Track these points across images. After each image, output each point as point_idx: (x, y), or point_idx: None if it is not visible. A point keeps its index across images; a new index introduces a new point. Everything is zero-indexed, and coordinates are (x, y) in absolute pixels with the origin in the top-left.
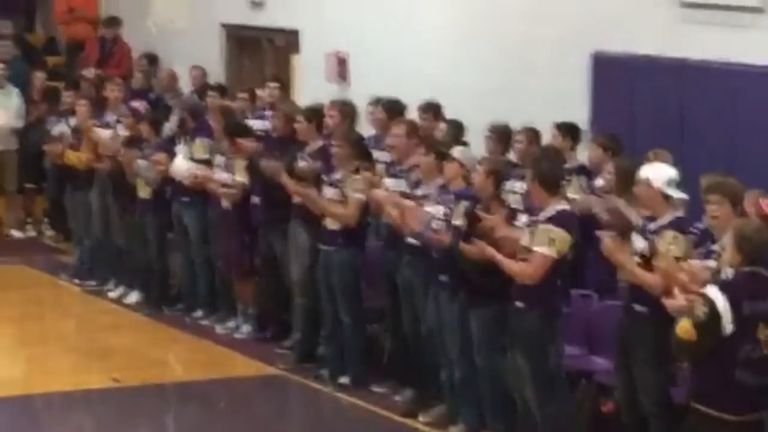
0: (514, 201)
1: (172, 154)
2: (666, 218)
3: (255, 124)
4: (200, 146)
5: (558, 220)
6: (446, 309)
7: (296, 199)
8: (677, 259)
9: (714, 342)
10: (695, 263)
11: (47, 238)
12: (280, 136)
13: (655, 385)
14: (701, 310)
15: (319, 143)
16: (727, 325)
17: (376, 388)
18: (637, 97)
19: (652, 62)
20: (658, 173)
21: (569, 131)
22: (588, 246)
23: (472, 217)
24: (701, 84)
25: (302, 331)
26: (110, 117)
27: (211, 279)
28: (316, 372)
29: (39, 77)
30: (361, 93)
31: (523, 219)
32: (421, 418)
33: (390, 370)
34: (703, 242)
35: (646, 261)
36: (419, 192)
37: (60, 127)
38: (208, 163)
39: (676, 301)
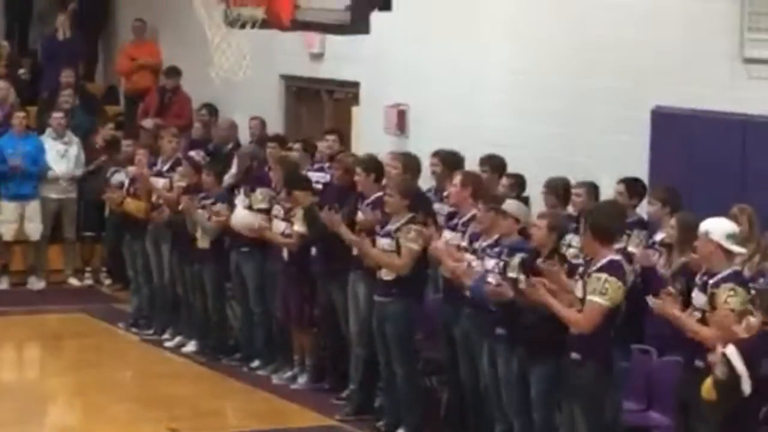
0: (571, 255)
1: (231, 205)
2: (725, 272)
3: (314, 176)
4: (260, 196)
5: (609, 269)
6: (503, 363)
7: (355, 251)
8: (734, 311)
9: (735, 402)
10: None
11: (105, 286)
12: (339, 188)
13: None
14: (721, 370)
15: (377, 195)
16: (746, 386)
17: None
18: (698, 153)
19: (713, 118)
20: (717, 227)
21: (633, 186)
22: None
23: (529, 269)
24: (763, 139)
25: (360, 382)
26: (164, 166)
27: (268, 329)
28: (374, 423)
29: (106, 127)
30: (420, 146)
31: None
32: None
33: (447, 423)
34: None
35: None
36: (477, 245)
37: (119, 176)
38: (267, 213)
39: (716, 356)
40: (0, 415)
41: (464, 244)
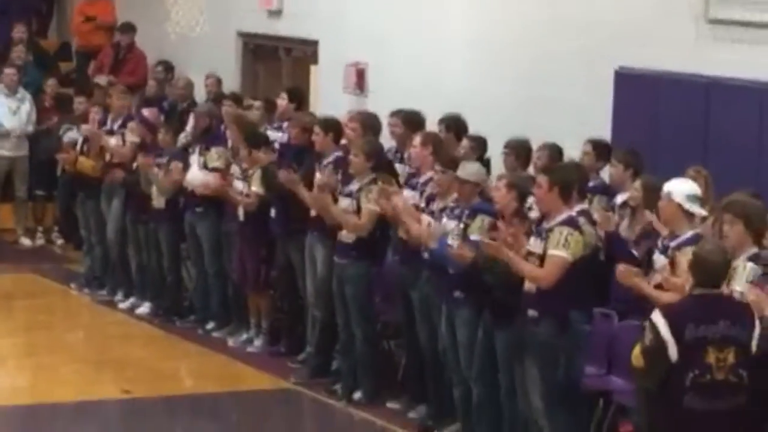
0: (534, 218)
1: (186, 163)
2: (686, 234)
3: (272, 135)
4: (216, 155)
5: (569, 223)
6: (462, 326)
7: (313, 212)
8: None
9: (663, 368)
10: None
11: (57, 246)
12: (297, 147)
13: None
14: (648, 337)
15: (336, 154)
16: (672, 352)
17: (390, 404)
18: (661, 114)
19: (677, 79)
20: (679, 188)
21: (601, 148)
22: (610, 264)
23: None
24: (727, 101)
25: (316, 345)
26: (114, 124)
27: (224, 291)
28: (330, 387)
29: (51, 84)
30: (379, 105)
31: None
32: None
33: (405, 387)
34: None
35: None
36: (434, 206)
37: (72, 134)
38: (223, 172)
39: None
40: None
41: (422, 205)
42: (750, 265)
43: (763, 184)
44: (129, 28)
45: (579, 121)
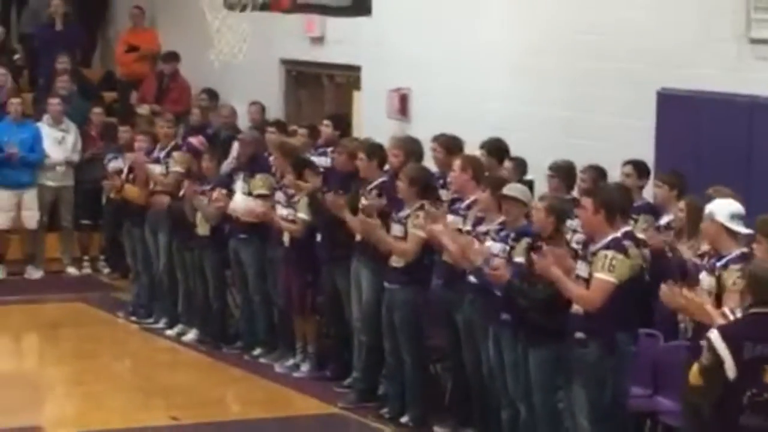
0: (575, 240)
1: (230, 190)
2: (732, 254)
3: (316, 161)
4: (260, 182)
5: (614, 246)
6: (508, 348)
7: (359, 237)
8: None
9: (720, 387)
10: None
11: (103, 275)
12: (342, 173)
13: None
14: (706, 356)
15: (381, 180)
16: (730, 370)
17: (437, 428)
18: (704, 135)
19: (719, 99)
20: (721, 208)
21: (641, 168)
22: (656, 285)
23: (533, 252)
24: None
25: (363, 369)
26: (161, 153)
27: (270, 317)
28: (377, 411)
29: (97, 113)
30: (422, 130)
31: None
32: None
33: (451, 410)
34: None
35: (716, 298)
36: (480, 229)
37: (116, 163)
38: (267, 198)
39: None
40: None
41: (467, 228)
42: None
43: None
44: (172, 57)
45: (622, 143)
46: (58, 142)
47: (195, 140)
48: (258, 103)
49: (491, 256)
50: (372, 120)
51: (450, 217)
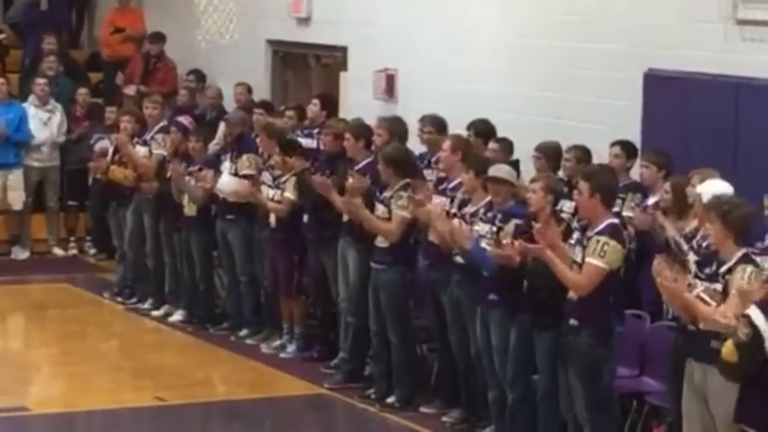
0: (567, 220)
1: (217, 171)
2: None
3: (303, 141)
4: (247, 162)
5: (609, 232)
6: (496, 329)
7: (345, 217)
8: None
9: (757, 363)
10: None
11: (90, 256)
12: (329, 154)
13: None
14: (743, 332)
15: (367, 160)
16: None
17: (423, 409)
18: (691, 116)
19: (706, 80)
20: (710, 189)
21: (629, 148)
22: (642, 265)
23: (523, 235)
24: (757, 101)
25: (349, 350)
26: (149, 134)
27: (256, 298)
28: (363, 392)
29: (83, 93)
30: (408, 110)
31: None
32: None
33: (438, 391)
34: None
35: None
36: (466, 210)
37: (103, 144)
38: (254, 179)
39: (726, 319)
40: None
41: (453, 210)
42: (749, 268)
43: None
44: (159, 38)
45: (609, 123)
46: (44, 123)
47: (183, 119)
48: (244, 84)
49: (480, 237)
50: (358, 100)
51: (437, 198)
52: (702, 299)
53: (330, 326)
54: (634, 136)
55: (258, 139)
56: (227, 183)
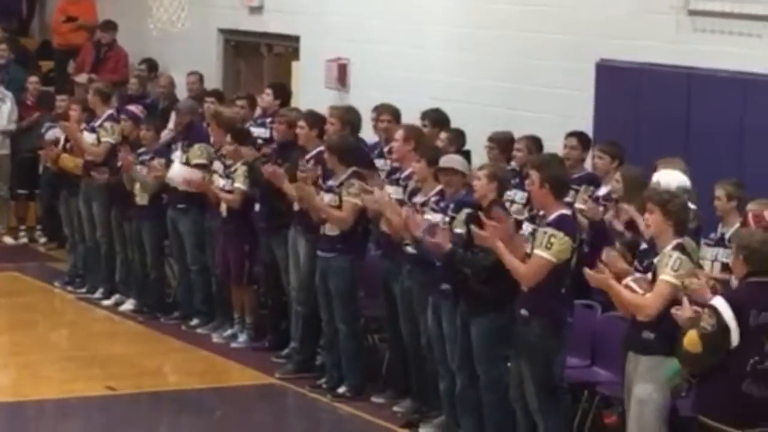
0: (515, 211)
1: (169, 160)
2: None
3: (256, 131)
4: (198, 152)
5: (558, 224)
6: (447, 318)
7: (296, 206)
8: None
9: (721, 354)
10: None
11: (40, 245)
12: (281, 143)
13: None
14: (708, 322)
15: (319, 149)
16: (735, 337)
17: (375, 399)
18: (643, 106)
19: (658, 71)
20: (669, 180)
21: (584, 139)
22: (595, 255)
23: (474, 224)
24: (708, 92)
25: (300, 339)
26: (97, 122)
27: (207, 287)
28: (314, 382)
29: (33, 82)
30: (361, 100)
31: (527, 228)
32: (421, 429)
33: (389, 381)
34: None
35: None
36: (417, 200)
37: (54, 132)
38: (205, 168)
39: (684, 312)
40: None
41: (403, 198)
42: (676, 254)
43: (744, 174)
44: (110, 26)
45: (561, 113)
46: None
47: (134, 107)
48: (196, 73)
49: (432, 226)
50: (310, 90)
51: (390, 188)
52: (630, 288)
53: (281, 316)
54: (587, 126)
55: (209, 129)
56: (178, 172)
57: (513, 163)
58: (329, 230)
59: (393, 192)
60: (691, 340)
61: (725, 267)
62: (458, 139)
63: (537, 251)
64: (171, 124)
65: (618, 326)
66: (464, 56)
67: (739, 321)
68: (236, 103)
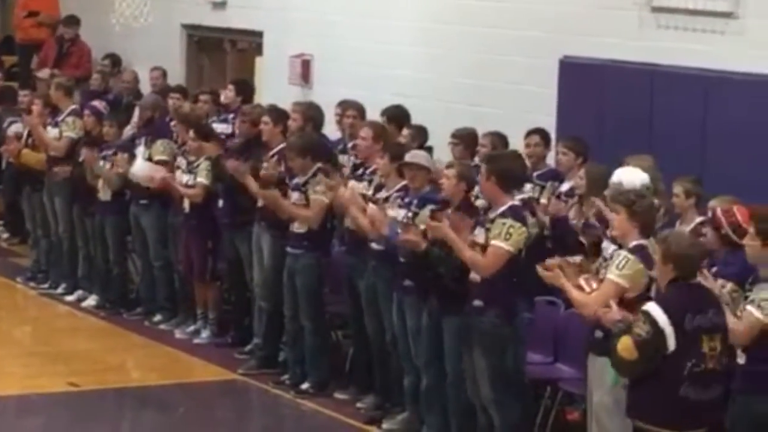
0: (480, 206)
1: (132, 155)
2: None
3: (219, 127)
4: (161, 148)
5: (511, 214)
6: (411, 314)
7: (260, 202)
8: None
9: (657, 360)
10: None
11: (3, 240)
12: (244, 139)
13: None
14: (643, 329)
15: (281, 146)
16: (671, 342)
17: (338, 395)
18: (606, 103)
19: (621, 67)
20: (631, 178)
21: (546, 136)
22: (558, 251)
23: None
24: (671, 89)
25: (264, 336)
26: (59, 117)
27: (170, 283)
28: (278, 378)
29: None
30: (324, 96)
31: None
32: (384, 425)
33: (352, 377)
34: None
35: None
36: (381, 195)
37: (16, 127)
38: (168, 164)
39: (612, 314)
40: None
41: (368, 193)
42: (624, 253)
43: (706, 170)
44: (73, 21)
45: (525, 110)
46: None
47: (97, 103)
48: (159, 69)
49: (397, 223)
50: (274, 86)
51: (355, 184)
52: (580, 286)
53: (244, 312)
54: (550, 122)
55: (173, 124)
56: (141, 168)
57: (477, 159)
58: (297, 227)
59: (359, 188)
60: (625, 346)
61: None
62: (421, 135)
63: (495, 242)
64: (135, 120)
65: (581, 323)
66: (428, 52)
67: (674, 325)
68: (199, 99)
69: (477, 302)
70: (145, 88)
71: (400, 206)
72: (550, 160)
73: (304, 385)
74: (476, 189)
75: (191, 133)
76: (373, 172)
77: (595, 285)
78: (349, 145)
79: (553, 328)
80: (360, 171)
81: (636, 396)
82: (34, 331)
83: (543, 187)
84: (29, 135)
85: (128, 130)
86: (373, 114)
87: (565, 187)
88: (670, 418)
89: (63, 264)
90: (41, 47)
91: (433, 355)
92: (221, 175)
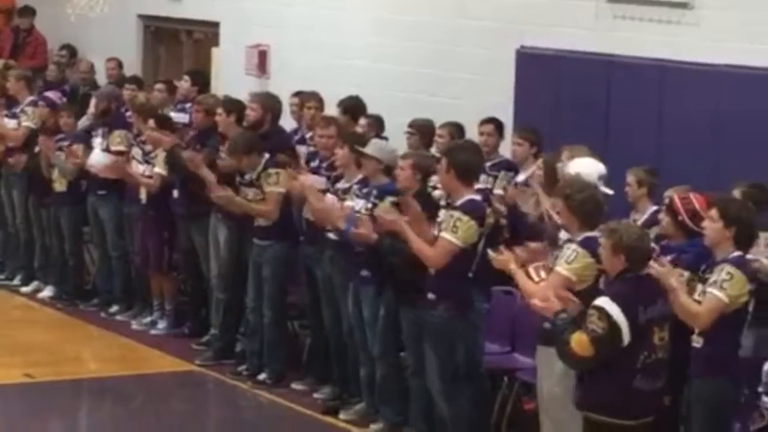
0: (437, 197)
1: (88, 146)
2: None
3: (176, 116)
4: (117, 138)
5: (465, 208)
6: (367, 305)
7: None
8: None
9: (612, 354)
10: None
11: None
12: (200, 130)
13: None
14: (598, 324)
15: None
16: (626, 337)
17: (295, 386)
18: (563, 93)
19: (578, 58)
20: (590, 169)
21: (500, 125)
22: (514, 241)
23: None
24: (627, 79)
25: (220, 327)
26: (17, 108)
27: (127, 274)
28: (235, 368)
29: None
30: (281, 86)
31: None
32: (341, 416)
33: (310, 367)
34: None
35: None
36: (339, 186)
37: None
38: (125, 155)
39: (551, 304)
40: None
41: (326, 187)
42: (573, 246)
43: (662, 161)
44: (28, 12)
45: (482, 100)
46: None
47: (52, 94)
48: (115, 59)
49: (354, 213)
50: (231, 76)
51: (311, 176)
52: (528, 275)
53: (201, 302)
54: (507, 113)
55: (129, 114)
56: (98, 158)
57: (433, 150)
58: (262, 222)
59: (316, 181)
60: (580, 343)
61: None
62: (377, 125)
63: (443, 234)
64: (91, 110)
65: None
66: (384, 42)
67: (629, 320)
68: (155, 89)
69: (430, 295)
70: (102, 78)
71: (358, 197)
72: (503, 150)
73: (261, 376)
74: (433, 179)
75: (151, 122)
76: (330, 164)
77: (543, 275)
78: (307, 135)
79: (510, 318)
80: (315, 162)
81: (587, 388)
82: None
83: (496, 177)
84: None
85: (83, 121)
86: (331, 104)
87: (521, 177)
88: (623, 409)
89: (19, 255)
90: None
91: (389, 345)
92: (177, 165)
